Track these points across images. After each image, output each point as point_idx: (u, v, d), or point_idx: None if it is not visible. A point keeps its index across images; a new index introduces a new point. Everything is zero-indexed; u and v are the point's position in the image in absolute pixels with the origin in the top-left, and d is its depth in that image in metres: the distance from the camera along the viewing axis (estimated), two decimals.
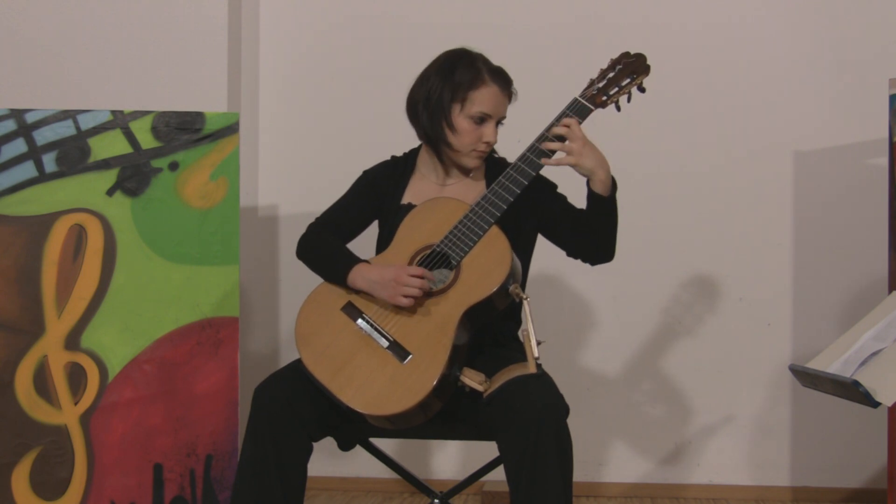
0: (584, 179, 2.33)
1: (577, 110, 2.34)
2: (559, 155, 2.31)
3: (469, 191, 2.48)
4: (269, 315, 3.73)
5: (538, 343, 2.19)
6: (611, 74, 2.37)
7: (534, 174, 2.32)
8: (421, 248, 2.35)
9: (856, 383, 1.96)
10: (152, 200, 2.93)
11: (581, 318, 3.64)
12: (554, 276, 3.59)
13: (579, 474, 3.21)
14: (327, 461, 3.55)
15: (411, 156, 2.58)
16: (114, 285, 2.91)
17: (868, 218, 3.50)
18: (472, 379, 2.24)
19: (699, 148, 3.60)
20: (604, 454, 3.63)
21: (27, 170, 2.92)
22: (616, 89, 2.36)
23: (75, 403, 2.89)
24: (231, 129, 2.94)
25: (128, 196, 2.93)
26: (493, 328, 2.43)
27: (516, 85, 2.47)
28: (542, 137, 2.33)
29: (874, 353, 2.06)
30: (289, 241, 3.65)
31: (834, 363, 2.11)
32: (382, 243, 2.49)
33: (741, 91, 3.59)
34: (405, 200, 2.49)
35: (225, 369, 2.91)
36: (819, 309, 3.55)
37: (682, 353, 3.60)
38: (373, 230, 2.56)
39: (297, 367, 2.31)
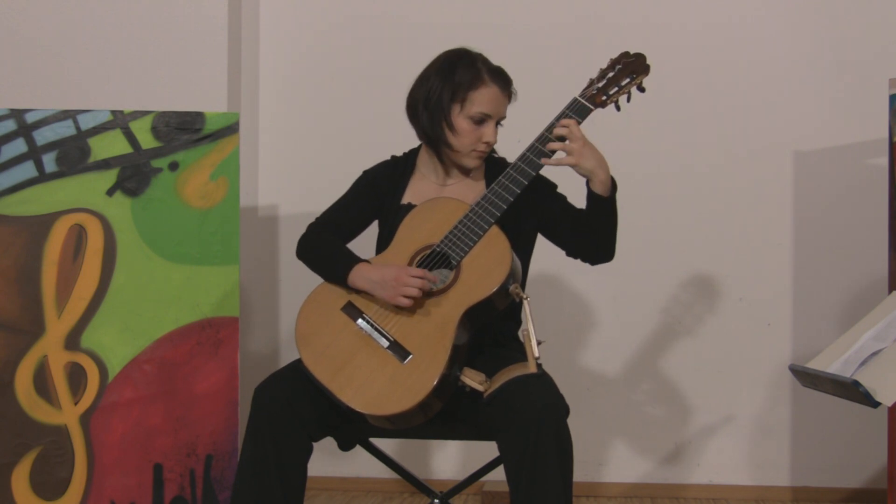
0: (584, 179, 2.33)
1: (577, 110, 2.34)
2: (559, 155, 2.31)
3: (469, 191, 2.48)
4: (269, 315, 3.73)
5: (538, 343, 2.20)
6: (610, 74, 2.37)
7: (534, 174, 2.32)
8: (421, 248, 2.35)
9: (856, 383, 1.96)
10: (152, 200, 2.93)
11: (581, 318, 3.64)
12: (554, 276, 3.59)
13: (579, 474, 3.21)
14: (327, 461, 3.55)
15: (411, 156, 2.58)
16: (114, 285, 2.91)
17: (868, 218, 3.50)
18: (472, 379, 2.24)
19: (699, 148, 3.60)
20: (604, 454, 3.63)
21: (27, 170, 2.92)
22: (616, 89, 2.36)
23: (75, 403, 2.89)
24: (231, 129, 2.94)
25: (128, 196, 2.93)
26: (493, 328, 2.43)
27: (516, 85, 2.47)
28: (542, 137, 2.33)
29: (874, 353, 2.06)
30: (289, 241, 3.65)
31: (834, 363, 2.11)
32: (382, 243, 2.49)
33: (741, 91, 3.59)
34: (405, 200, 2.49)
35: (225, 369, 2.91)
36: (819, 309, 3.55)
37: (682, 353, 3.60)
38: (373, 230, 2.56)
39: (297, 367, 2.31)
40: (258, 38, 3.71)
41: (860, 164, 3.54)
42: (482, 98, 2.40)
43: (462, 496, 3.54)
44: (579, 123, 2.31)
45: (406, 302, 2.26)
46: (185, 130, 2.94)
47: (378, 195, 2.52)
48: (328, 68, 3.71)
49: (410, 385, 2.20)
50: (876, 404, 1.95)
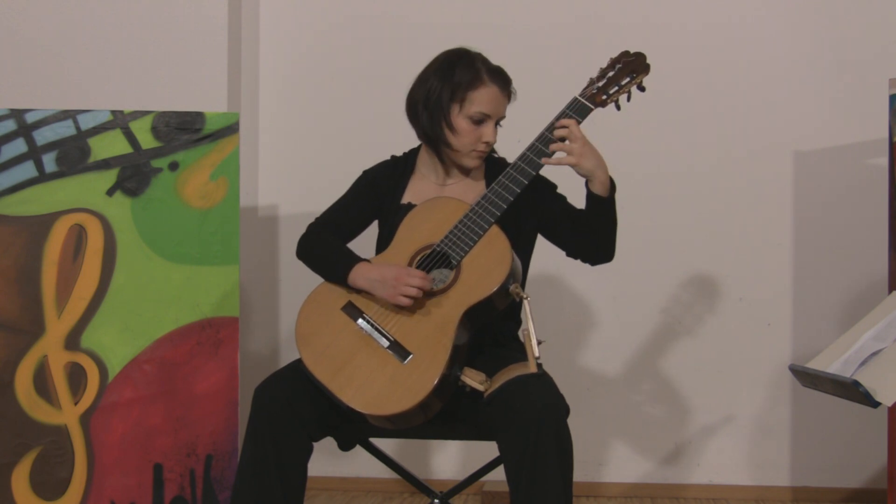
0: (584, 180, 2.33)
1: (577, 109, 2.33)
2: (559, 155, 2.31)
3: (469, 191, 2.48)
4: (269, 315, 3.73)
5: (538, 343, 2.19)
6: (610, 73, 2.37)
7: (534, 174, 2.32)
8: (421, 247, 2.35)
9: (856, 383, 1.96)
10: (152, 200, 2.93)
11: (581, 318, 3.64)
12: (554, 276, 3.59)
13: (579, 474, 3.21)
14: (327, 461, 3.55)
15: (411, 156, 2.58)
16: (114, 285, 2.91)
17: (868, 218, 3.50)
18: (472, 379, 2.23)
19: (699, 148, 3.60)
20: (604, 454, 3.63)
21: (27, 170, 2.92)
22: (616, 88, 2.36)
23: (75, 403, 2.89)
24: (231, 129, 2.94)
25: (128, 196, 2.93)
26: (493, 328, 2.43)
27: (516, 85, 2.47)
28: (542, 137, 2.33)
29: (874, 353, 2.06)
30: (289, 241, 3.65)
31: (834, 363, 2.11)
32: (382, 243, 2.49)
33: (741, 91, 3.59)
34: (405, 200, 2.49)
35: (225, 369, 2.91)
36: (819, 309, 3.55)
37: (682, 353, 3.60)
38: (373, 230, 2.56)
39: (298, 367, 2.31)
40: (258, 38, 3.71)
41: (860, 164, 3.54)
42: (481, 98, 2.40)
43: (462, 496, 3.54)
44: (579, 123, 2.31)
45: (406, 301, 2.26)
46: (185, 130, 2.94)
47: (378, 195, 2.52)
48: (328, 68, 3.71)
49: (411, 385, 2.20)
50: (876, 404, 1.95)
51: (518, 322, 2.51)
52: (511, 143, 2.61)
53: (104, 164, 2.93)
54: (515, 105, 2.50)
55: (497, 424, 2.20)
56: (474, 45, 2.49)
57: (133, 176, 2.93)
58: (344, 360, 2.26)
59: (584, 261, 2.46)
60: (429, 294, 2.29)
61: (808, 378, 2.16)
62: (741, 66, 3.59)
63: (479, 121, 2.41)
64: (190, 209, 2.93)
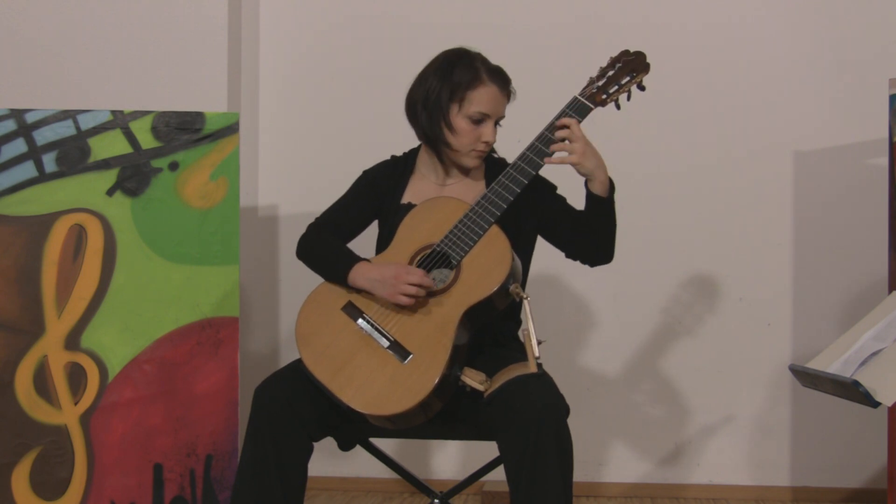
0: (583, 183, 2.34)
1: (577, 109, 2.33)
2: (561, 154, 2.31)
3: (469, 190, 2.47)
4: (269, 315, 3.73)
5: (538, 343, 2.19)
6: (610, 73, 2.37)
7: (534, 173, 2.32)
8: (421, 247, 2.35)
9: (856, 383, 1.96)
10: (152, 200, 2.93)
11: (581, 318, 3.64)
12: (554, 276, 3.59)
13: (579, 474, 3.21)
14: (327, 461, 3.55)
15: (411, 156, 2.58)
16: (114, 285, 2.91)
17: (868, 218, 3.50)
18: (472, 379, 2.23)
19: (699, 148, 3.60)
20: (604, 454, 3.63)
21: (27, 170, 2.92)
22: (616, 87, 2.36)
23: (75, 403, 2.89)
24: (231, 129, 2.94)
25: (128, 196, 2.93)
26: (493, 328, 2.43)
27: (516, 85, 2.47)
28: (542, 137, 2.33)
29: (874, 353, 2.06)
30: (289, 241, 3.65)
31: (834, 363, 2.11)
32: (382, 243, 2.49)
33: (741, 91, 3.59)
34: (405, 200, 2.49)
35: (225, 369, 2.91)
36: (819, 309, 3.55)
37: (682, 353, 3.60)
38: (373, 230, 2.56)
39: (298, 367, 2.31)
40: (258, 38, 3.71)
41: (860, 164, 3.54)
42: (480, 97, 2.40)
43: (462, 496, 3.54)
44: (579, 122, 2.31)
45: (406, 301, 2.26)
46: (185, 130, 2.94)
47: (378, 195, 2.52)
48: (328, 68, 3.71)
49: (411, 385, 2.20)
50: (876, 404, 1.95)
51: (518, 322, 2.51)
52: (511, 143, 2.61)
53: (104, 164, 2.93)
54: (515, 105, 2.49)
55: (497, 424, 2.20)
56: (474, 45, 2.49)
57: (133, 176, 2.93)
58: (344, 360, 2.26)
59: (584, 262, 2.46)
60: (429, 294, 2.29)
61: (808, 378, 2.16)
62: (741, 66, 3.59)
63: (478, 120, 2.41)
64: (190, 209, 2.93)
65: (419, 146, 2.56)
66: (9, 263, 2.90)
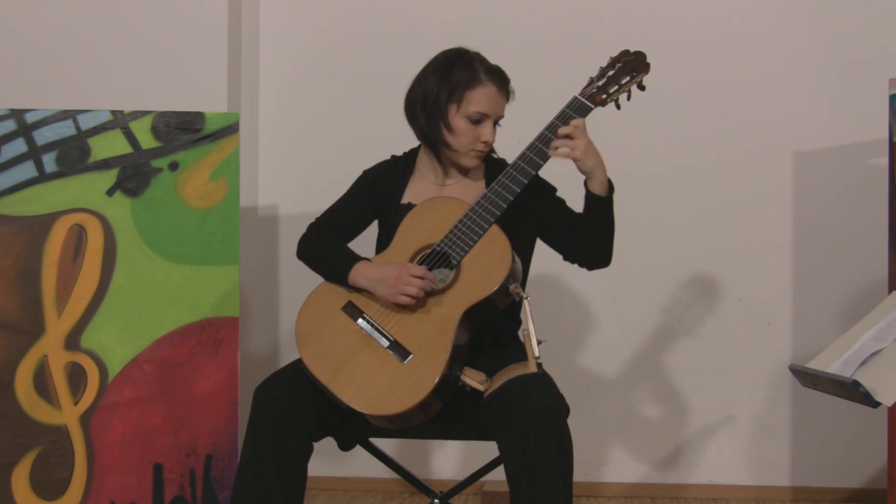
0: (582, 187, 2.33)
1: (578, 109, 2.33)
2: (564, 149, 2.30)
3: (468, 190, 2.47)
4: (269, 315, 3.73)
5: (538, 342, 2.19)
6: (611, 72, 2.37)
7: (534, 173, 2.32)
8: (421, 247, 2.35)
9: (856, 383, 1.96)
10: (152, 200, 2.93)
11: (581, 318, 3.64)
12: (554, 276, 3.59)
13: (579, 474, 3.21)
14: (327, 461, 3.55)
15: (411, 155, 2.58)
16: (114, 285, 2.91)
17: (868, 218, 3.50)
18: (472, 378, 2.23)
19: (699, 148, 3.60)
20: (604, 454, 3.63)
21: (27, 170, 2.92)
22: (616, 87, 2.36)
23: (75, 403, 2.89)
24: (231, 129, 2.94)
25: (128, 196, 2.93)
26: (493, 328, 2.43)
27: (516, 85, 2.47)
28: (542, 137, 2.33)
29: (874, 353, 2.06)
30: (289, 241, 3.65)
31: (834, 363, 2.11)
32: (382, 243, 2.49)
33: (741, 91, 3.59)
34: (405, 200, 2.49)
35: (225, 369, 2.91)
36: (819, 309, 3.55)
37: (682, 353, 3.60)
38: (373, 230, 2.56)
39: (298, 367, 2.31)
40: (258, 38, 3.71)
41: (860, 164, 3.54)
42: (479, 97, 2.40)
43: (462, 496, 3.54)
44: None
45: (407, 300, 2.26)
46: (185, 130, 2.94)
47: (378, 195, 2.52)
48: (328, 68, 3.71)
49: (411, 385, 2.20)
50: (876, 404, 1.95)
51: (518, 322, 2.51)
52: (511, 143, 2.61)
53: (104, 164, 2.93)
54: (515, 105, 2.49)
55: (497, 424, 2.20)
56: (474, 45, 2.49)
57: (133, 176, 2.93)
58: (344, 360, 2.26)
59: (581, 265, 2.46)
60: (429, 294, 2.29)
61: (808, 378, 2.16)
62: (741, 66, 3.59)
63: (477, 120, 2.41)
64: (190, 209, 2.93)
65: (419, 146, 2.56)
66: (9, 263, 2.90)
